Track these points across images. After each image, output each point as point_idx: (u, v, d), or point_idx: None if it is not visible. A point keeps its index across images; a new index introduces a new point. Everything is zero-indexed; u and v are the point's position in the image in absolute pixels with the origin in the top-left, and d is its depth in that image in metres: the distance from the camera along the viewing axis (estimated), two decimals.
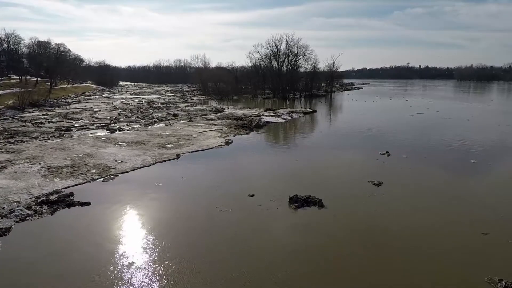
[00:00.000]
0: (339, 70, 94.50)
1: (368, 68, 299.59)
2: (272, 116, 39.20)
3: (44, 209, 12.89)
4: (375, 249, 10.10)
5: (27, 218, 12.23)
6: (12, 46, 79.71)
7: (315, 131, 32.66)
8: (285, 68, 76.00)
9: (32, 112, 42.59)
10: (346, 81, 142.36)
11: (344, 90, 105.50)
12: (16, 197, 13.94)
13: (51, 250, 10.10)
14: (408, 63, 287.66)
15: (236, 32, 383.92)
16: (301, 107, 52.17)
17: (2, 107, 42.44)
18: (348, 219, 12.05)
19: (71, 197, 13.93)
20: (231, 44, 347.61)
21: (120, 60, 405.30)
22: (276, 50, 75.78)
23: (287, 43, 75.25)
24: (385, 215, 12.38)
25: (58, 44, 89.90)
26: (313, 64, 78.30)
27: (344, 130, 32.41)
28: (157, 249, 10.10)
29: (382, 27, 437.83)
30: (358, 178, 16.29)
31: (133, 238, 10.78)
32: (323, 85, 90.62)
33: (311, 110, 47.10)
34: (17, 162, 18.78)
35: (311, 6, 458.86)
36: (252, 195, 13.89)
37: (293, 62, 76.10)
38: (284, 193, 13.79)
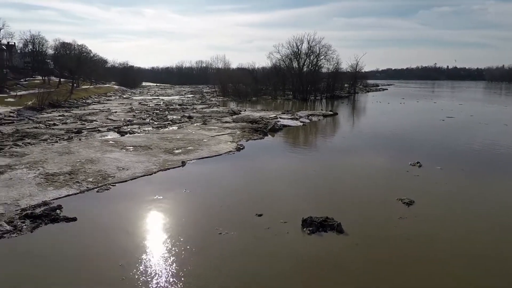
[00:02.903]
0: (362, 71, 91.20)
1: (393, 68, 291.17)
2: (289, 119, 37.10)
3: (26, 225, 11.50)
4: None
5: (5, 235, 10.86)
6: (37, 48, 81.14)
7: (336, 136, 30.34)
8: (306, 69, 73.65)
9: (50, 113, 42.35)
10: (370, 81, 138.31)
11: (368, 91, 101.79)
12: (2, 209, 12.68)
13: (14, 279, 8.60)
14: (436, 64, 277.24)
15: (257, 33, 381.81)
16: (322, 109, 49.78)
17: (21, 107, 42.50)
18: (374, 250, 9.90)
19: (58, 211, 12.51)
20: (252, 45, 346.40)
21: (144, 61, 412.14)
22: (297, 50, 73.54)
23: (308, 43, 72.90)
24: (420, 245, 10.16)
25: (80, 45, 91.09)
26: (336, 64, 75.60)
27: (368, 136, 29.89)
28: (132, 281, 8.40)
29: (406, 26, 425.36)
30: (385, 195, 14.03)
31: (111, 266, 9.11)
32: (346, 86, 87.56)
33: (332, 113, 44.64)
34: (17, 167, 17.70)
35: (332, 6, 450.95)
36: (260, 215, 11.96)
37: (314, 63, 73.62)
38: (297, 212, 11.81)
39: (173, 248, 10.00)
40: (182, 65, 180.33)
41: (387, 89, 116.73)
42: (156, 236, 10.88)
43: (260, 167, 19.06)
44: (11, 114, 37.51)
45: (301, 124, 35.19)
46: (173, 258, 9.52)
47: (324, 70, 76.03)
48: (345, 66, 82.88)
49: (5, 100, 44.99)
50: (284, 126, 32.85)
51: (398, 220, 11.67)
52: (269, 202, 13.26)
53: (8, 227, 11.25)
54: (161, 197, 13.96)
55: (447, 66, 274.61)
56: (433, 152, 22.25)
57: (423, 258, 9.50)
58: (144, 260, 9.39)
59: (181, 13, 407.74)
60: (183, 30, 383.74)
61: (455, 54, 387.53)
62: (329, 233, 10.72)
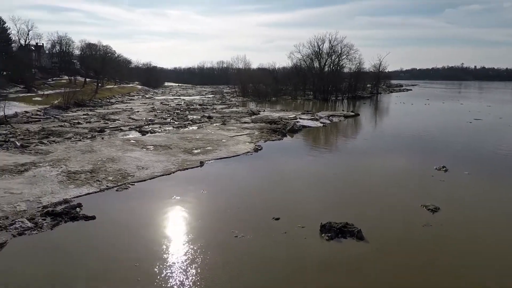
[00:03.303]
0: (386, 71, 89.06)
1: (418, 68, 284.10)
2: (309, 119, 36.58)
3: (46, 222, 11.71)
4: None
5: (25, 232, 11.09)
6: (64, 48, 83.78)
7: (358, 138, 29.57)
8: (327, 69, 72.72)
9: (75, 112, 43.49)
10: (393, 82, 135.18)
11: (392, 92, 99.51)
12: (24, 206, 12.99)
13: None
14: (462, 63, 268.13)
15: (278, 33, 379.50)
16: (343, 110, 48.91)
17: (48, 106, 43.90)
18: (396, 259, 9.45)
19: (78, 209, 12.69)
20: (273, 45, 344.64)
21: (167, 61, 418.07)
22: (318, 49, 72.90)
23: (330, 43, 72.10)
24: (447, 256, 9.62)
25: (105, 46, 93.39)
26: (358, 64, 74.34)
27: (391, 138, 29.03)
28: (147, 282, 8.34)
29: (432, 25, 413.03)
30: (409, 201, 13.45)
31: (127, 266, 9.09)
32: (368, 86, 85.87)
33: (353, 113, 43.75)
34: (41, 164, 18.17)
35: (355, 5, 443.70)
36: (277, 219, 11.70)
37: (336, 62, 72.61)
38: (315, 217, 11.48)
39: (189, 250, 9.91)
40: (204, 65, 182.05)
41: (411, 90, 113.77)
42: (172, 237, 10.84)
43: (278, 169, 18.77)
44: (38, 113, 38.81)
45: (321, 125, 34.62)
46: (189, 260, 9.42)
47: (346, 70, 75.14)
48: (367, 66, 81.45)
49: (33, 99, 46.58)
50: (304, 127, 32.39)
51: (422, 228, 11.13)
52: (286, 205, 12.99)
53: (29, 224, 11.48)
54: (179, 198, 13.95)
55: (475, 66, 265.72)
56: (459, 156, 21.32)
57: (449, 270, 8.99)
58: (159, 261, 9.33)
59: (204, 14, 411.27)
60: (206, 31, 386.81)
61: (483, 54, 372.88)
62: (349, 240, 10.34)
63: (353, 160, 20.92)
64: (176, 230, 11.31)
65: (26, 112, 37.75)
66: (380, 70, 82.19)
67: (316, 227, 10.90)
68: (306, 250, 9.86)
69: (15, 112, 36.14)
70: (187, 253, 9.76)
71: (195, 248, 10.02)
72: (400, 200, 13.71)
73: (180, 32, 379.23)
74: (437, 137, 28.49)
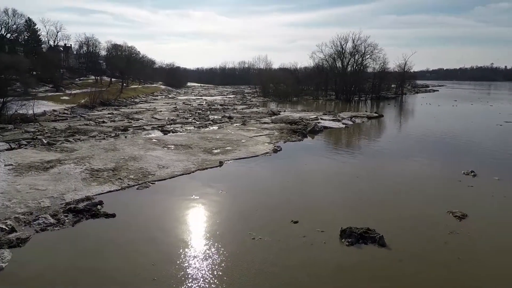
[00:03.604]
0: (411, 71, 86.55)
1: (445, 68, 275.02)
2: (331, 120, 36.01)
3: (68, 219, 11.98)
4: None
5: (48, 228, 11.37)
6: (91, 49, 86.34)
7: (381, 140, 28.74)
8: (350, 68, 71.50)
9: (100, 111, 44.62)
10: (419, 82, 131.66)
11: (417, 92, 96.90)
12: (48, 202, 13.36)
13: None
14: (492, 64, 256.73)
15: (300, 32, 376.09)
16: (366, 111, 47.91)
17: (75, 105, 45.31)
18: (420, 267, 9.02)
19: (99, 206, 12.92)
20: (295, 45, 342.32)
21: (190, 62, 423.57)
22: (341, 49, 71.75)
23: (353, 42, 70.87)
24: (473, 265, 9.12)
25: (130, 47, 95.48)
26: (382, 64, 72.61)
27: (416, 140, 28.04)
28: (163, 282, 8.30)
29: (460, 23, 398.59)
30: (434, 207, 12.86)
31: (144, 265, 9.11)
32: (393, 86, 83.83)
33: (377, 115, 42.73)
34: (66, 162, 18.68)
35: (380, 3, 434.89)
36: (296, 222, 11.47)
37: (359, 62, 71.26)
38: (335, 221, 11.18)
39: (206, 251, 9.86)
40: (226, 65, 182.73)
41: (438, 90, 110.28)
42: (190, 237, 10.83)
43: (297, 170, 18.48)
44: (65, 111, 40.11)
45: (343, 126, 33.99)
46: (205, 261, 9.36)
47: (369, 70, 73.66)
48: (392, 65, 79.68)
49: (61, 98, 48.17)
50: (325, 127, 31.88)
51: (448, 236, 10.60)
52: (305, 208, 12.71)
53: (52, 220, 11.78)
54: (198, 197, 13.96)
55: (505, 66, 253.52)
56: (489, 160, 20.30)
57: (475, 281, 8.49)
58: (176, 261, 9.31)
59: (226, 14, 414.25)
60: (228, 31, 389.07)
61: None
62: (370, 246, 9.96)
63: (376, 163, 20.32)
64: (193, 230, 11.29)
65: (54, 110, 39.06)
66: (406, 70, 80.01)
67: (336, 232, 10.59)
68: (325, 256, 9.58)
69: (44, 110, 37.46)
70: (204, 254, 9.70)
71: (212, 249, 9.95)
72: (425, 206, 13.13)
73: (203, 32, 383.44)
74: (464, 140, 27.33)
